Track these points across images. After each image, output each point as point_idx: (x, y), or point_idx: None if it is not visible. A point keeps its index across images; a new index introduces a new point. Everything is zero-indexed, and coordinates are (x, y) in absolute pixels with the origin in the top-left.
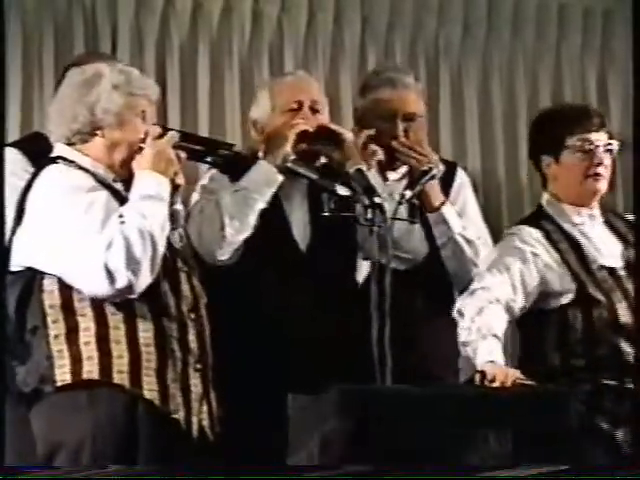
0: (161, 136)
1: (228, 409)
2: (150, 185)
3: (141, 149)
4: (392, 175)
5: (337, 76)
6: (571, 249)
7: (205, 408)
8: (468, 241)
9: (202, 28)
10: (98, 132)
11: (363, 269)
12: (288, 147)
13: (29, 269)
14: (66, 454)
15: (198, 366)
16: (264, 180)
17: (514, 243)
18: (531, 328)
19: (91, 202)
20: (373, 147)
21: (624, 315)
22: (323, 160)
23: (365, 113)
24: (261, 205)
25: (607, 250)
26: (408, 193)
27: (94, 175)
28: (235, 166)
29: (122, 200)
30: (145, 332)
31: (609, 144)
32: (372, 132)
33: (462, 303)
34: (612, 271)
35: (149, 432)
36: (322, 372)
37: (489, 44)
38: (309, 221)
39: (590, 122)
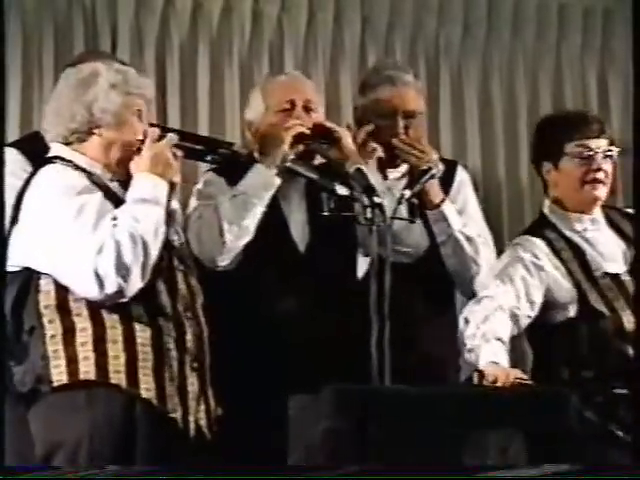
0: (160, 138)
1: (227, 408)
2: (146, 188)
3: (139, 150)
4: (392, 173)
5: (337, 76)
6: (574, 257)
7: (202, 407)
8: (468, 238)
9: (202, 28)
10: (96, 131)
11: (363, 266)
12: (285, 148)
13: (25, 269)
14: (64, 454)
15: (195, 365)
16: (262, 184)
17: (518, 253)
18: (541, 343)
19: (84, 204)
20: (372, 144)
21: (629, 322)
22: (320, 159)
23: (365, 111)
24: (260, 209)
25: (611, 254)
26: (408, 192)
27: (91, 175)
28: (233, 167)
29: (118, 200)
30: (142, 332)
31: (609, 150)
32: (370, 128)
33: (469, 310)
34: (616, 278)
35: (146, 431)
36: (321, 372)
37: (489, 44)
38: (307, 221)
39: (589, 128)
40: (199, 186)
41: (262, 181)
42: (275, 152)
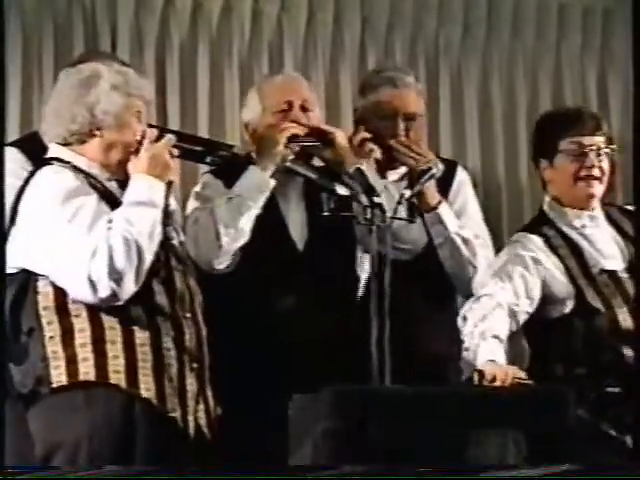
0: (158, 139)
1: (227, 408)
2: (142, 190)
3: (137, 151)
4: (391, 175)
5: (337, 76)
6: (572, 254)
7: (202, 407)
8: (465, 240)
9: (202, 27)
10: (96, 133)
11: (364, 265)
12: (279, 149)
13: (24, 270)
14: (64, 454)
15: (194, 365)
16: (256, 186)
17: (516, 250)
18: (537, 338)
19: (79, 207)
20: (370, 146)
21: (625, 321)
22: (316, 161)
23: (365, 112)
24: (255, 211)
25: (609, 251)
26: (408, 192)
27: (89, 175)
28: (231, 169)
29: (115, 201)
30: (140, 332)
31: (605, 147)
32: (368, 135)
33: (467, 309)
34: (613, 275)
35: (146, 431)
36: (321, 372)
37: (489, 44)
38: (306, 221)
39: (583, 125)
40: (197, 188)
41: (257, 183)
42: (270, 153)
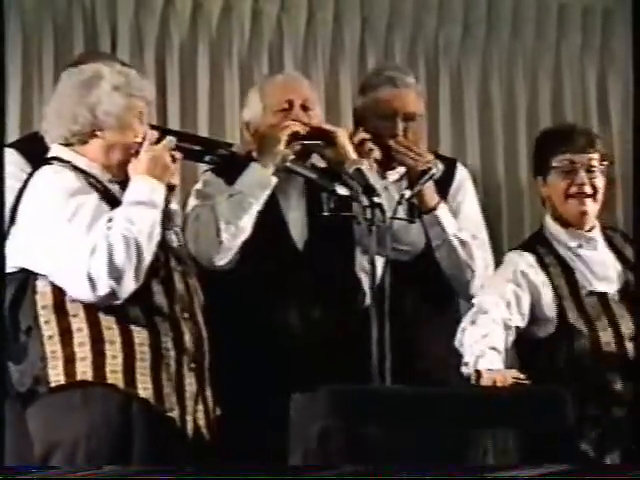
0: (158, 140)
1: (226, 408)
2: (143, 191)
3: (137, 152)
4: (390, 175)
5: (337, 76)
6: (562, 274)
7: (201, 407)
8: (462, 243)
9: (202, 27)
10: (98, 133)
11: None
12: (281, 148)
13: (23, 270)
14: (62, 454)
15: (193, 365)
16: (258, 183)
17: (510, 267)
18: (525, 357)
19: (79, 206)
20: (370, 145)
21: (608, 344)
22: (317, 160)
23: (365, 112)
24: (256, 208)
25: (603, 274)
26: (408, 193)
27: (89, 176)
28: (232, 167)
29: (115, 202)
30: (139, 332)
31: (599, 164)
32: (367, 136)
33: (464, 326)
34: (603, 297)
35: (144, 431)
36: (321, 372)
37: (489, 44)
38: (307, 220)
39: (573, 142)
40: (198, 186)
41: (258, 180)
42: (272, 152)
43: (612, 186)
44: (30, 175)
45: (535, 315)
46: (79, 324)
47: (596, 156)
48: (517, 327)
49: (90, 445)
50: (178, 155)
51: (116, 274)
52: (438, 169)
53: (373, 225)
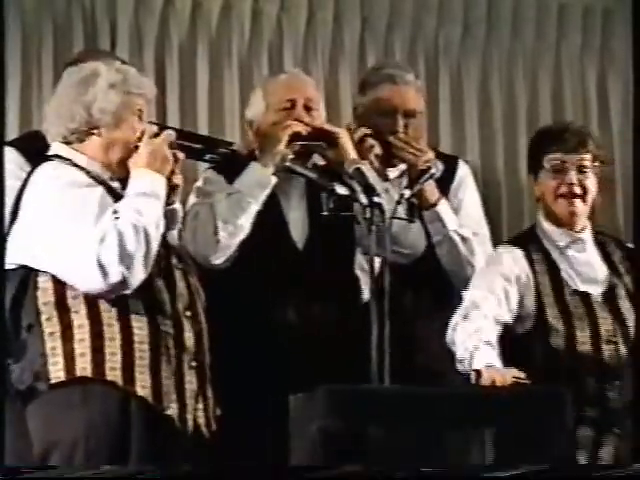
0: (157, 135)
1: (226, 407)
2: (145, 183)
3: (137, 147)
4: (391, 172)
5: (336, 75)
6: (546, 271)
7: (201, 406)
8: (463, 239)
9: (201, 27)
10: (95, 131)
11: (363, 265)
12: (281, 147)
13: (24, 267)
14: (61, 452)
15: (193, 364)
16: (257, 182)
17: (499, 262)
18: (504, 353)
19: (85, 197)
20: (371, 141)
21: (584, 344)
22: (318, 159)
23: (365, 110)
24: (255, 208)
25: (589, 276)
26: (407, 192)
27: (90, 173)
28: (233, 165)
29: (118, 198)
30: (139, 329)
31: (591, 165)
32: (368, 131)
33: (456, 322)
34: (586, 297)
35: (142, 429)
36: (320, 371)
37: (489, 44)
38: (307, 220)
39: (565, 142)
40: (199, 184)
41: (258, 180)
42: (272, 151)
43: (612, 187)
44: (29, 173)
45: (521, 311)
46: (80, 320)
47: (588, 156)
48: (505, 323)
49: (88, 443)
50: (181, 155)
51: (127, 260)
52: (438, 169)
53: (372, 225)
